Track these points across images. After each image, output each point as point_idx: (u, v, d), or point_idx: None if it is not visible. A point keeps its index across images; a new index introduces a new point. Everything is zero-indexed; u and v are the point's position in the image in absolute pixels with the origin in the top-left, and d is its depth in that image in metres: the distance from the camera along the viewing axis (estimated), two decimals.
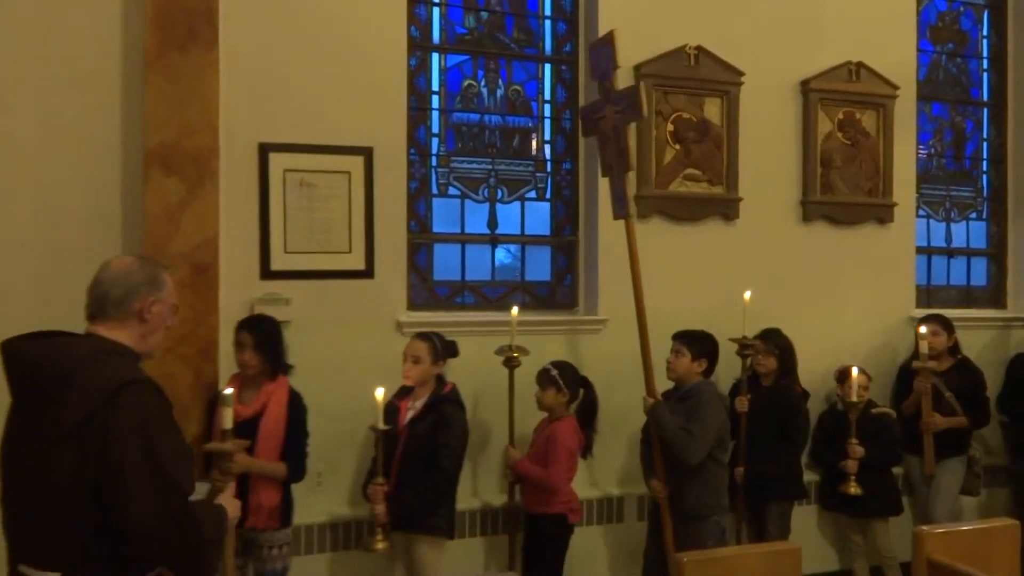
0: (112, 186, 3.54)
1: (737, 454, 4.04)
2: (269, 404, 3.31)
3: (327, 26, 3.84)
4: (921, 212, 5.24)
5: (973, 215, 5.46)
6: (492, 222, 4.37)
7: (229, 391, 2.47)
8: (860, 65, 4.79)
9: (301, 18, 3.81)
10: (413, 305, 4.12)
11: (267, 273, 3.76)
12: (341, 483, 3.90)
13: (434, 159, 4.26)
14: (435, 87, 4.26)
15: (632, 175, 4.31)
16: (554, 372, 3.75)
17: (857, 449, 3.99)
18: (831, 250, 4.77)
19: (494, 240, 4.37)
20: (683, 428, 3.58)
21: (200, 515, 2.06)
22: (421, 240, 4.20)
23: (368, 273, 3.92)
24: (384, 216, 3.95)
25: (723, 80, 4.49)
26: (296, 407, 3.37)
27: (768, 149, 4.62)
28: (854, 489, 3.97)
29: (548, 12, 4.48)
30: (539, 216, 4.47)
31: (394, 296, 3.98)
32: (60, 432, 1.93)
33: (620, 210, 3.78)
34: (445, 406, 3.47)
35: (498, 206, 4.38)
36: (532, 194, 4.44)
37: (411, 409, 3.51)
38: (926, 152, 5.30)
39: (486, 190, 4.36)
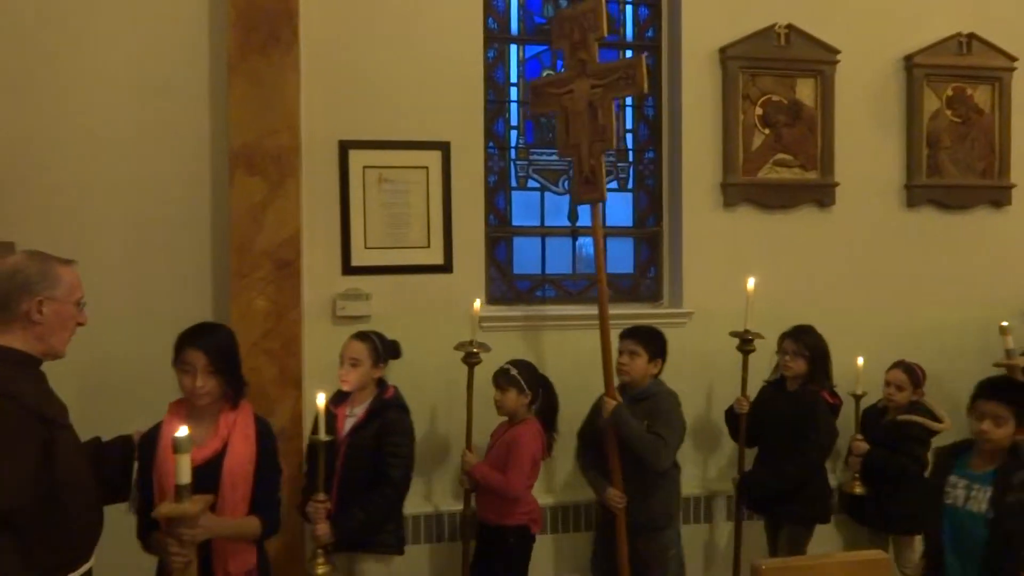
0: (202, 187, 3.68)
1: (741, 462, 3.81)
2: (232, 441, 2.57)
3: (404, 22, 3.87)
4: None
5: None
6: (572, 214, 4.30)
7: (183, 432, 2.07)
8: (972, 36, 4.43)
9: (378, 15, 3.85)
10: (492, 299, 4.11)
11: (348, 269, 3.82)
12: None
13: (513, 152, 4.22)
14: (513, 79, 4.22)
15: (717, 163, 4.18)
16: (515, 372, 3.46)
17: (860, 445, 3.75)
18: (939, 237, 4.45)
19: (574, 232, 4.30)
20: (652, 432, 3.33)
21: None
22: (500, 234, 4.18)
23: (447, 267, 3.92)
24: (462, 210, 3.95)
25: (816, 59, 4.24)
26: (266, 440, 2.66)
27: (867, 131, 4.35)
28: (858, 489, 3.76)
29: None
30: (621, 207, 4.36)
31: (473, 290, 3.96)
32: None
33: (590, 191, 3.50)
34: (390, 412, 3.16)
35: None
36: (613, 184, 4.33)
37: (350, 416, 3.20)
38: None
39: (566, 182, 4.29)
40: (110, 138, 3.60)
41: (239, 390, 2.64)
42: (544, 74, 4.27)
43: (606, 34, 3.41)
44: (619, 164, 4.35)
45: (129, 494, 2.58)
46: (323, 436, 2.85)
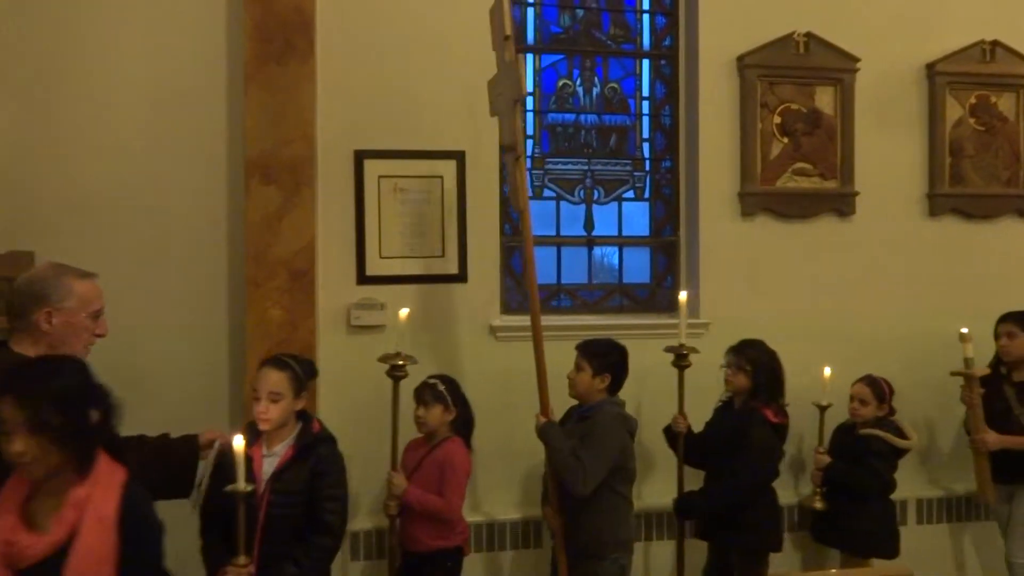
0: (218, 195, 3.69)
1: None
2: (81, 529, 1.87)
3: (420, 32, 3.87)
4: None
5: None
6: (588, 223, 4.27)
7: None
8: (995, 43, 4.36)
9: (394, 25, 3.85)
10: (508, 309, 4.08)
11: (363, 278, 3.81)
12: None
13: (529, 161, 4.20)
14: (529, 88, 4.20)
15: (735, 172, 4.14)
16: (442, 387, 3.29)
17: (821, 458, 3.68)
18: (963, 247, 4.37)
19: (591, 242, 4.27)
20: (574, 455, 3.13)
21: None
22: (515, 243, 4.16)
23: (462, 277, 3.91)
24: (477, 220, 3.93)
25: (836, 67, 4.20)
26: (135, 519, 1.92)
27: (888, 139, 4.29)
28: (819, 504, 3.68)
29: (646, 6, 4.34)
30: (638, 216, 4.33)
31: (488, 300, 3.95)
32: None
33: (515, 201, 3.33)
34: (321, 449, 2.78)
35: (595, 207, 4.28)
36: (630, 194, 4.31)
37: (269, 458, 2.77)
38: None
39: (582, 191, 4.27)
40: (127, 147, 3.62)
41: (89, 453, 1.91)
42: (560, 83, 4.26)
43: (509, 33, 3.20)
44: (636, 173, 4.32)
45: (192, 492, 2.67)
46: (243, 486, 2.44)
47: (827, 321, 4.15)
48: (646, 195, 4.34)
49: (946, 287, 4.33)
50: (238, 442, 2.45)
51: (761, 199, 4.15)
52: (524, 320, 4.02)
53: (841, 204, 4.23)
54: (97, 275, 2.39)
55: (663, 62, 4.32)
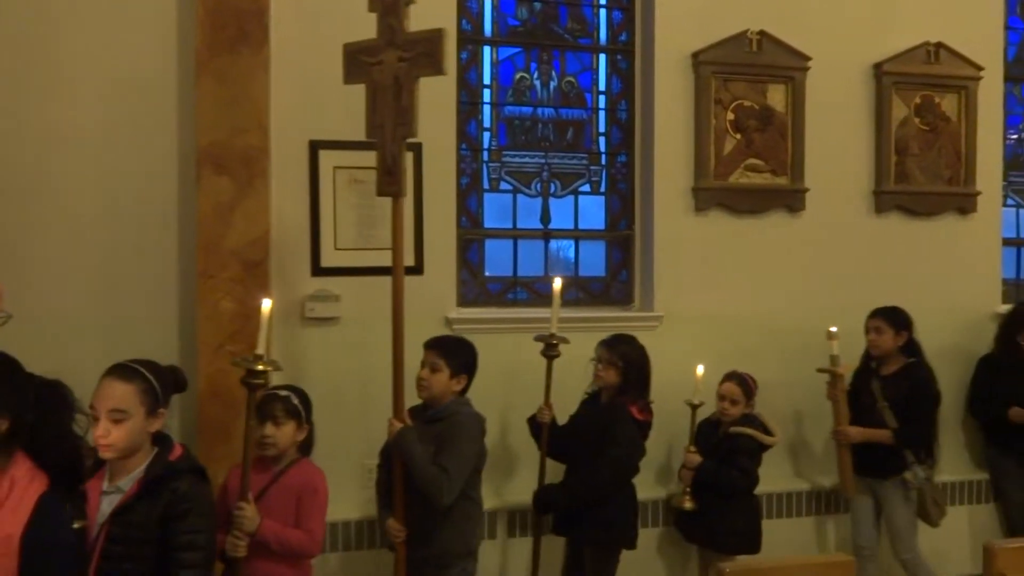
0: (168, 186, 3.62)
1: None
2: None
3: (376, 22, 3.82)
4: (1009, 201, 4.90)
5: None
6: (545, 217, 4.30)
7: None
8: (940, 46, 4.49)
9: (350, 15, 3.77)
10: (464, 301, 4.09)
11: (318, 270, 3.78)
12: None
13: (485, 154, 4.21)
14: (487, 81, 4.21)
15: (689, 167, 4.20)
16: (296, 400, 2.88)
17: (692, 458, 3.63)
18: (907, 243, 4.51)
19: (547, 235, 4.30)
20: (436, 463, 2.91)
21: None
22: (472, 236, 4.16)
23: (418, 269, 3.89)
24: (434, 212, 3.92)
25: (788, 65, 4.28)
26: (40, 543, 1.80)
27: (837, 137, 4.39)
28: (688, 504, 3.62)
29: (603, 1, 4.37)
30: (594, 210, 4.37)
31: (444, 292, 3.95)
32: None
33: (389, 184, 3.03)
34: (180, 481, 2.20)
35: (551, 200, 4.30)
36: (586, 188, 4.34)
37: (111, 494, 2.21)
38: (1015, 137, 4.95)
39: (539, 184, 4.29)
40: (74, 135, 3.52)
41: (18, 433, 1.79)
42: (517, 76, 4.26)
43: None
44: (592, 167, 4.36)
45: None
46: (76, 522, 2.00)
47: (775, 315, 4.25)
48: (602, 189, 4.38)
49: (888, 282, 4.44)
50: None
51: (714, 194, 4.22)
52: (481, 312, 4.06)
53: (791, 200, 4.33)
54: None
55: (619, 57, 4.36)
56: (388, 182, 3.05)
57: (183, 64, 3.59)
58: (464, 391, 3.15)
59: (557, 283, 3.57)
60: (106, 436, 2.14)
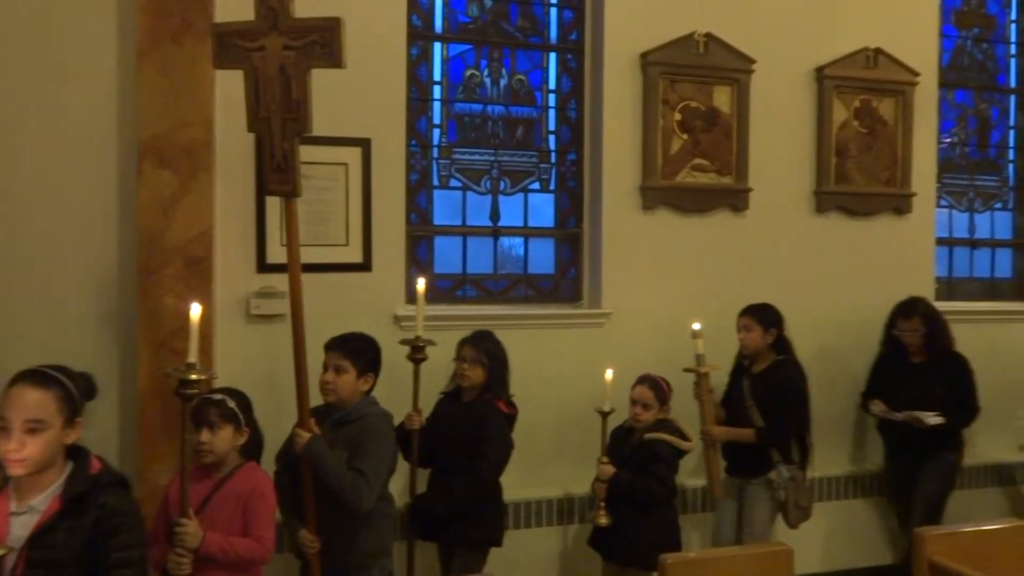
0: (108, 180, 3.52)
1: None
2: None
3: (326, 15, 3.77)
4: (943, 202, 5.07)
5: (998, 205, 5.27)
6: (495, 214, 4.30)
7: None
8: (878, 51, 4.63)
9: (299, 7, 3.73)
10: (413, 298, 4.06)
11: (263, 266, 3.73)
12: None
13: (435, 150, 4.20)
14: (437, 77, 4.19)
15: (637, 166, 4.25)
16: (232, 404, 2.73)
17: (606, 469, 3.44)
18: (846, 242, 4.64)
19: (496, 232, 4.30)
20: (353, 468, 2.80)
21: None
22: (421, 233, 4.15)
23: (366, 266, 3.87)
24: (383, 208, 3.90)
25: (733, 68, 4.36)
26: None
27: (780, 138, 4.49)
28: (603, 519, 3.43)
29: (554, 0, 4.39)
30: (543, 208, 4.39)
31: (392, 290, 3.92)
32: None
33: (280, 182, 2.85)
34: (109, 498, 2.05)
35: (501, 198, 4.31)
36: (536, 185, 4.36)
37: (24, 513, 2.02)
38: (949, 140, 5.12)
39: (488, 182, 4.29)
40: (8, 125, 3.40)
41: None
42: (467, 73, 4.25)
43: None
44: (542, 165, 4.38)
45: None
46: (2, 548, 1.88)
47: (719, 313, 4.31)
48: (552, 187, 4.40)
49: (828, 280, 4.57)
50: None
51: (661, 193, 4.28)
52: (430, 310, 4.03)
53: (736, 199, 4.41)
54: None
55: (569, 56, 4.39)
56: (279, 180, 2.84)
57: (123, 54, 3.49)
58: (371, 390, 3.04)
59: (421, 283, 3.44)
60: (20, 450, 1.95)
